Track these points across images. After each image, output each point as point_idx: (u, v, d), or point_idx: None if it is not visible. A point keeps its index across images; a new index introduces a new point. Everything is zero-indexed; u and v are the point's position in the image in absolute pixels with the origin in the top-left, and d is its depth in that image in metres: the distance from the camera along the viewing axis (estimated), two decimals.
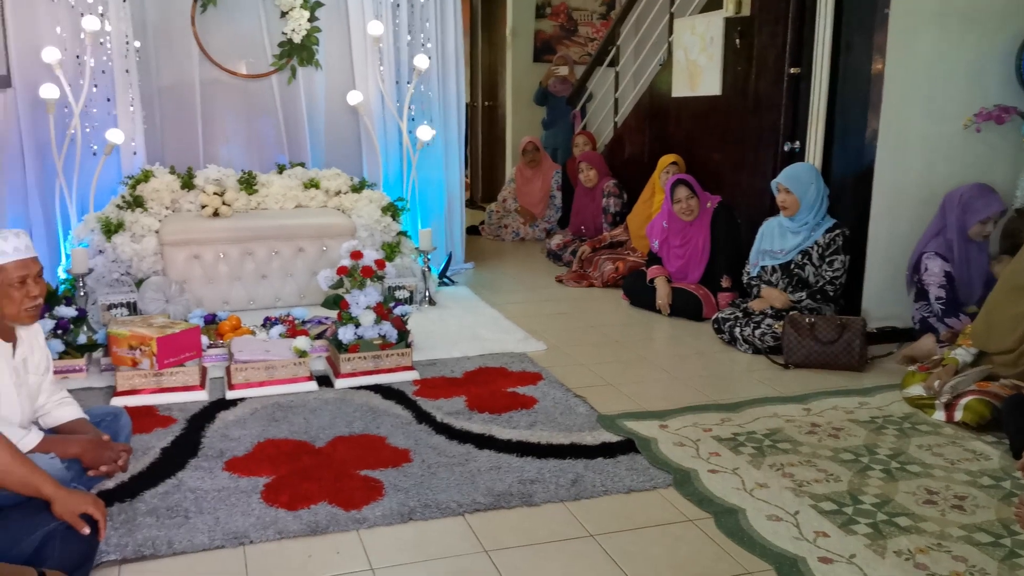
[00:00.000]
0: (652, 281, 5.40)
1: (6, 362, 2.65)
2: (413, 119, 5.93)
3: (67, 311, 4.08)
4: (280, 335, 4.19)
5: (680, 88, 6.16)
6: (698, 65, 5.90)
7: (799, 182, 4.62)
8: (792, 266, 4.67)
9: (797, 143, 5.12)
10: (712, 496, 2.94)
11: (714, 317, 4.86)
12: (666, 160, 6.14)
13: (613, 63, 7.75)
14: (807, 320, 4.36)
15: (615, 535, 2.68)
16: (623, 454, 3.25)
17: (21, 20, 5.03)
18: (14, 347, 2.69)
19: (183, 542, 2.57)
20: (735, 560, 2.55)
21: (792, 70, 5.03)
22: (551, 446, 3.30)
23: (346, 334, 4.01)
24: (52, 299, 4.14)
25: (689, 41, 5.96)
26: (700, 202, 5.32)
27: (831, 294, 4.59)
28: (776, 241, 4.77)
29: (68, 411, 2.89)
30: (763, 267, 4.80)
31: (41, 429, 2.76)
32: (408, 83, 5.84)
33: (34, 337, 2.82)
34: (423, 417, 3.57)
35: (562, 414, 3.64)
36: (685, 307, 5.24)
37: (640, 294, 5.49)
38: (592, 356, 4.49)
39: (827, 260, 4.57)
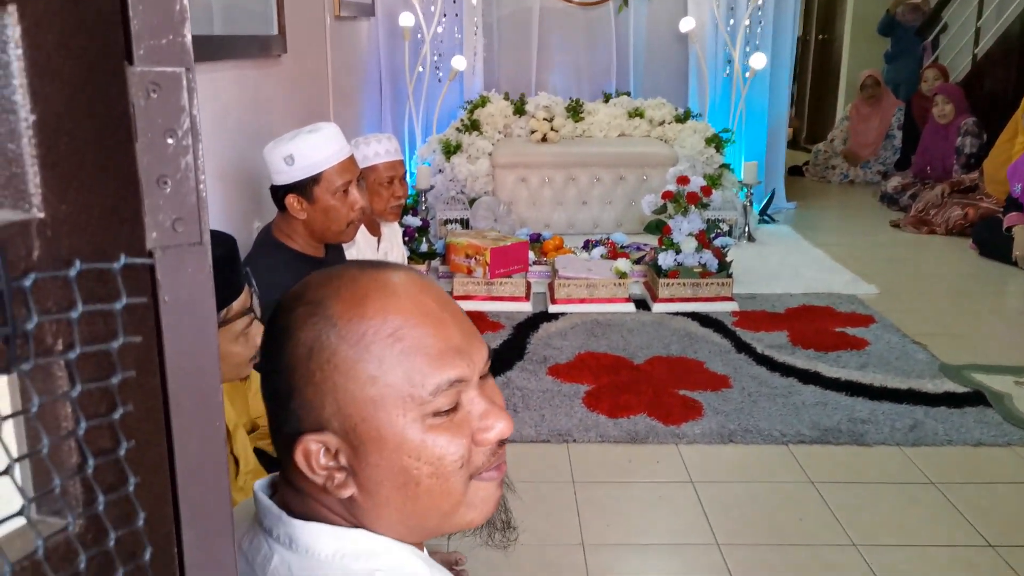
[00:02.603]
0: (1009, 229, 4.79)
1: (372, 252, 2.95)
2: (747, 51, 5.70)
3: (413, 221, 4.46)
4: (601, 256, 4.28)
5: None
6: None
7: None
8: None
9: None
10: None
11: None
12: None
13: None
14: None
15: (960, 486, 2.45)
16: (970, 406, 2.95)
17: None
18: (378, 242, 2.99)
19: (513, 432, 2.73)
20: None
21: None
22: (886, 389, 3.07)
23: (666, 260, 3.99)
24: (401, 210, 4.54)
25: None
26: None
27: None
28: None
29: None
30: None
31: None
32: (744, 11, 5.61)
33: (394, 236, 3.11)
34: (742, 347, 3.48)
35: (898, 359, 3.36)
36: None
37: (993, 244, 4.89)
38: (932, 304, 4.10)
39: None
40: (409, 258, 4.39)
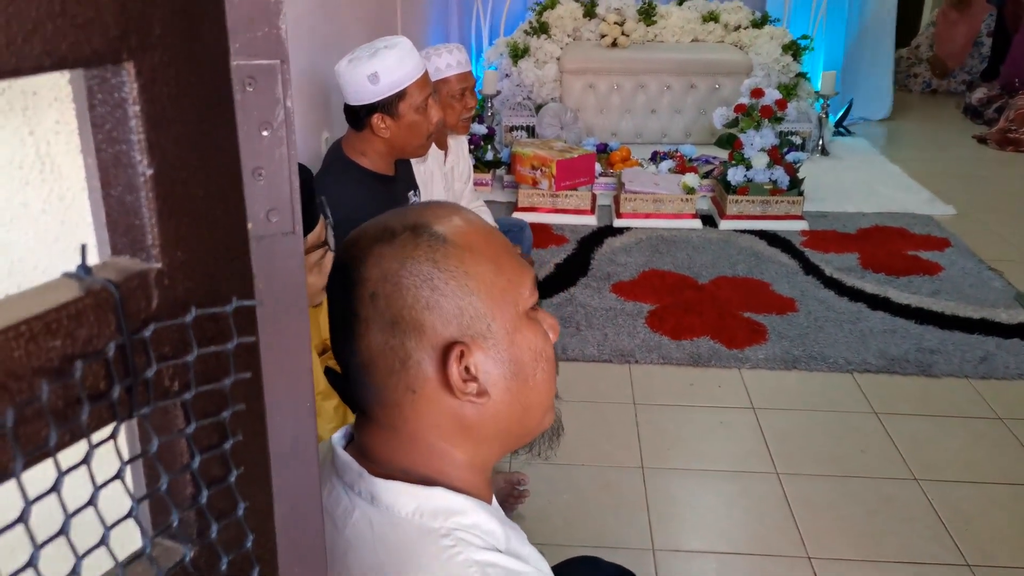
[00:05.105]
0: None
1: (439, 167, 2.93)
2: None
3: (479, 128, 4.42)
4: (669, 170, 4.20)
5: None
6: None
7: None
8: None
9: None
10: None
11: None
12: None
13: None
14: None
15: None
16: None
17: None
18: (445, 155, 2.97)
19: (575, 350, 2.76)
20: None
21: None
22: (957, 318, 3.00)
23: (736, 175, 3.90)
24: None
25: None
26: None
27: None
28: None
29: (484, 218, 3.17)
30: None
31: None
32: None
33: (460, 147, 3.08)
34: (810, 269, 3.41)
35: (971, 286, 3.27)
36: None
37: None
38: (1012, 228, 3.95)
39: None
40: (475, 167, 4.37)
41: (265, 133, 0.54)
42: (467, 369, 0.76)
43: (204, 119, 0.35)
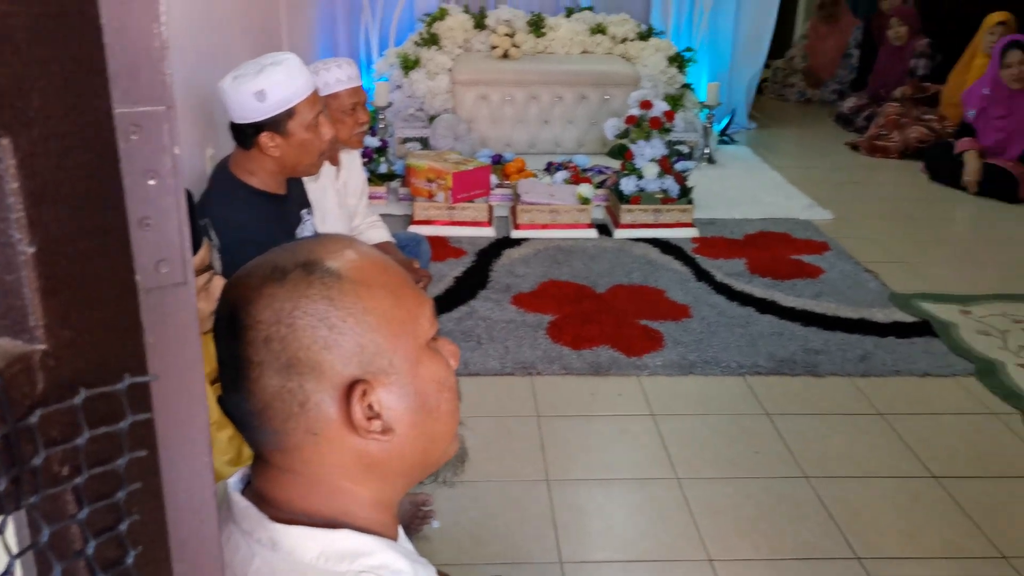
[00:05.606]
0: (961, 154, 4.85)
1: (332, 183, 2.89)
2: None
3: (372, 141, 4.37)
4: (564, 181, 4.25)
5: None
6: None
7: None
8: None
9: None
10: (1021, 392, 2.69)
11: None
12: (993, 19, 5.37)
13: None
14: None
15: (906, 417, 2.55)
16: (918, 336, 3.04)
17: None
18: (337, 171, 2.92)
19: (477, 364, 2.76)
20: None
21: None
22: (838, 319, 3.15)
23: (628, 185, 3.99)
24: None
25: None
26: None
27: None
28: None
29: (378, 233, 3.13)
30: None
31: None
32: None
33: (353, 161, 3.04)
34: (702, 275, 3.52)
35: (850, 288, 3.44)
36: (997, 186, 4.68)
37: (943, 168, 4.96)
38: (884, 231, 4.17)
39: None
40: (368, 180, 4.31)
41: (152, 182, 0.52)
42: (370, 407, 0.74)
43: (91, 177, 0.33)
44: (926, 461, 2.34)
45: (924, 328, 3.10)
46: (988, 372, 2.81)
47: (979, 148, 4.81)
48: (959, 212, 4.60)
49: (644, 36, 5.44)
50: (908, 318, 3.18)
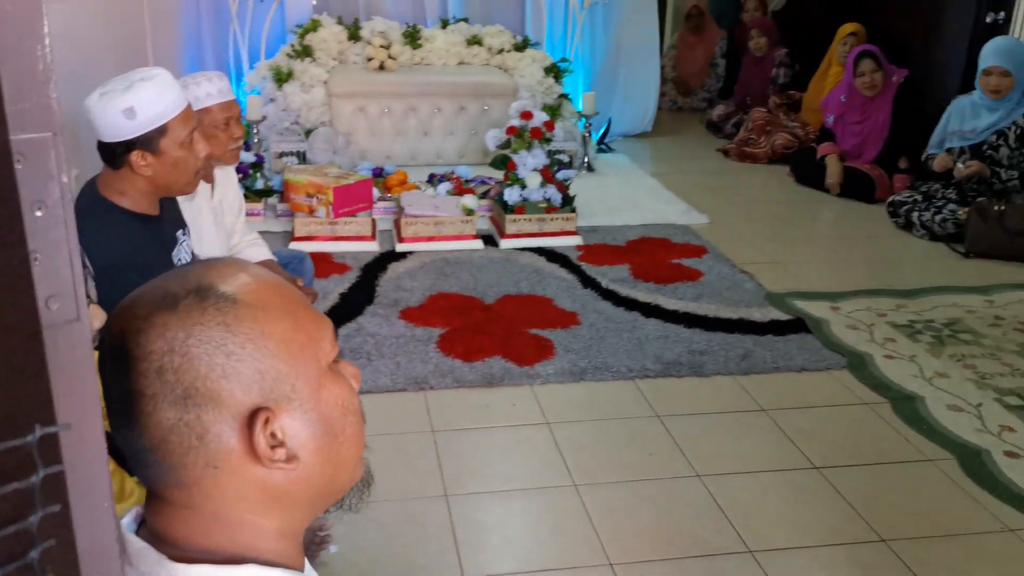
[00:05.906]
0: (823, 159, 5.12)
1: (207, 202, 2.78)
2: None
3: (247, 156, 4.24)
4: (447, 192, 4.24)
5: None
6: None
7: (1016, 61, 4.18)
8: (984, 148, 4.31)
9: (1002, 13, 4.64)
10: (889, 382, 2.85)
11: (889, 200, 4.59)
12: (844, 30, 5.71)
13: None
14: (996, 208, 4.06)
15: (788, 412, 2.66)
16: (793, 333, 3.18)
17: None
18: (212, 189, 2.82)
19: (368, 381, 2.71)
20: (914, 446, 2.49)
21: None
22: (719, 319, 3.26)
23: (512, 195, 4.01)
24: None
25: None
26: (885, 76, 4.94)
27: None
28: (968, 120, 4.40)
29: (258, 252, 3.03)
30: (949, 149, 4.46)
31: None
32: None
33: (228, 178, 2.94)
34: (588, 282, 3.58)
35: (728, 289, 3.57)
36: (856, 187, 4.96)
37: (808, 172, 5.22)
38: (757, 233, 4.36)
39: None
40: (245, 197, 4.17)
41: (39, 213, 0.48)
42: (273, 435, 0.71)
43: None
44: (808, 453, 2.44)
45: (799, 325, 3.25)
46: (859, 364, 2.96)
47: (839, 152, 5.09)
48: (824, 213, 4.85)
49: (520, 47, 5.50)
50: (784, 316, 3.32)
